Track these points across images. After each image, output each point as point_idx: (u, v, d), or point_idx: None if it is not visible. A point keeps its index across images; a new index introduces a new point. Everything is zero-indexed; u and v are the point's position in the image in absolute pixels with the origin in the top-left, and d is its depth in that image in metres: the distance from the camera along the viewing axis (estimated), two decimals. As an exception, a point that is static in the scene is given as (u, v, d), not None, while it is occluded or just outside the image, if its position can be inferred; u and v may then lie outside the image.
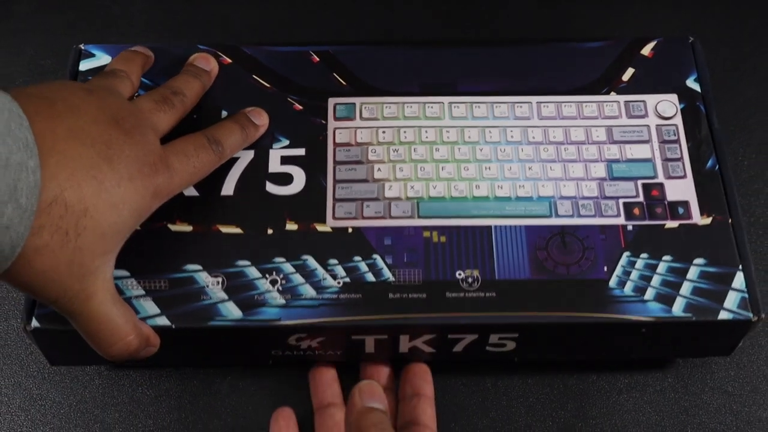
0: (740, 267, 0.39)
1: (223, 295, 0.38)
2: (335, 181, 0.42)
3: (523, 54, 0.46)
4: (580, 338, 0.41)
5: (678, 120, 0.44)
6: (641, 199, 0.42)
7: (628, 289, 0.39)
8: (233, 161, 0.42)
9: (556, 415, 0.44)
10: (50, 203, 0.29)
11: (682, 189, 0.42)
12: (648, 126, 0.44)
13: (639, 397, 0.44)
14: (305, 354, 0.41)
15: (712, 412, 0.44)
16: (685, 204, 0.41)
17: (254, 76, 0.45)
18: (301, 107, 0.44)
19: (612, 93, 0.45)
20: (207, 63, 0.44)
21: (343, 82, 0.45)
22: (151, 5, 0.59)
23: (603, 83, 0.45)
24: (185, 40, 0.57)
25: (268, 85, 0.45)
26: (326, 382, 0.43)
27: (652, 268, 0.40)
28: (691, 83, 0.45)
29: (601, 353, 0.43)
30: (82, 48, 0.46)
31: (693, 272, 0.39)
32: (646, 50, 0.46)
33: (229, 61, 0.45)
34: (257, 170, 0.42)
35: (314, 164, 0.42)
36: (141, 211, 0.34)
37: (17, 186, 0.27)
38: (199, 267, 0.39)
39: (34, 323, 0.38)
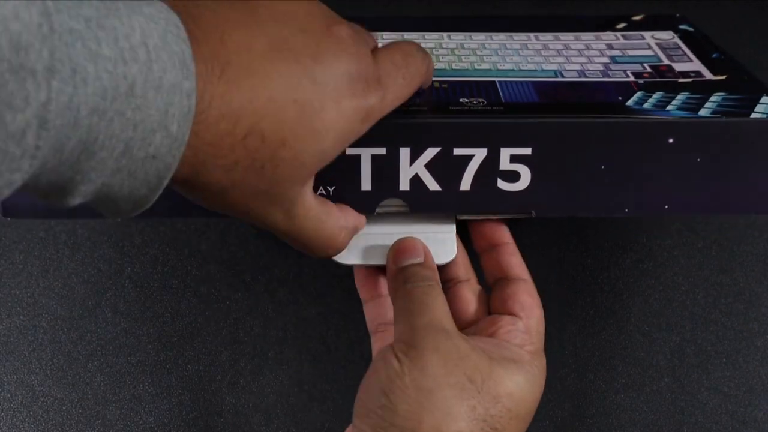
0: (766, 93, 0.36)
1: None
2: None
3: (520, 24, 0.46)
4: (603, 154, 0.35)
5: (677, 40, 0.43)
6: (649, 70, 0.40)
7: (648, 105, 0.36)
8: None
9: (554, 415, 0.44)
10: (245, 136, 0.26)
11: (690, 66, 0.40)
12: (648, 42, 0.43)
13: (636, 396, 0.44)
14: None
15: (709, 413, 0.44)
16: (696, 72, 0.39)
17: None
18: None
19: (607, 31, 0.44)
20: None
21: None
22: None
23: (598, 29, 0.45)
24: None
25: None
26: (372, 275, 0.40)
27: (670, 98, 0.36)
28: (685, 26, 0.45)
29: (627, 185, 0.36)
30: None
31: (714, 99, 0.36)
32: (636, 18, 0.46)
33: None
34: None
35: None
36: (347, 137, 0.29)
37: (168, 111, 0.23)
38: None
39: None
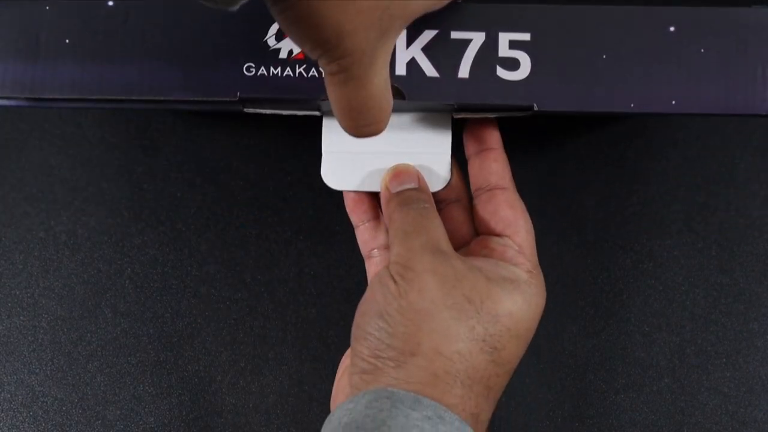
0: None
1: None
2: None
3: None
4: (603, 42, 0.34)
5: None
6: None
7: None
8: None
9: (553, 415, 0.44)
10: None
11: None
12: None
13: (636, 397, 0.44)
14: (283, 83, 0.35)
15: (709, 413, 0.44)
16: None
17: None
18: None
19: None
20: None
21: None
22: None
23: None
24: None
25: None
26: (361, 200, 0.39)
27: None
28: None
29: (630, 78, 0.35)
30: None
31: None
32: None
33: None
34: None
35: None
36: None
37: None
38: None
39: None
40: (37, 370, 0.45)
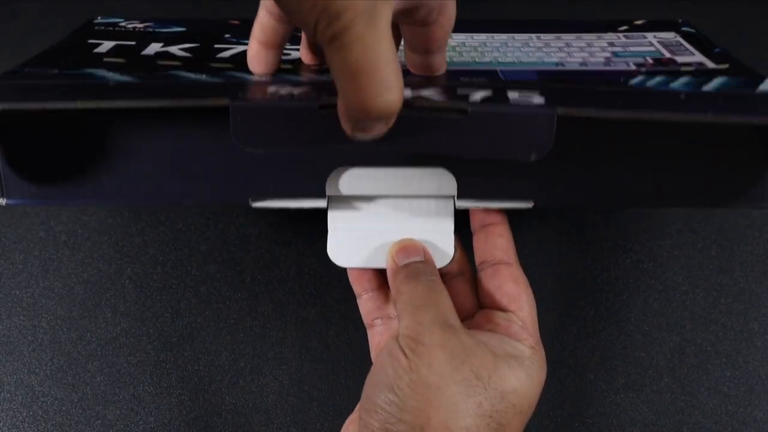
0: None
1: None
2: None
3: (521, 26, 0.45)
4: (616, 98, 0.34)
5: (680, 39, 0.43)
6: (651, 61, 0.39)
7: (651, 84, 0.35)
8: None
9: (553, 415, 0.44)
10: None
11: (692, 58, 0.39)
12: (650, 41, 0.42)
13: (636, 397, 0.44)
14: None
15: (708, 413, 0.44)
16: (699, 63, 0.39)
17: None
18: None
19: (609, 33, 0.44)
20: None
21: None
22: (156, 5, 0.59)
23: (600, 30, 0.44)
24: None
25: None
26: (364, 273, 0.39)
27: (672, 80, 0.36)
28: (687, 28, 0.45)
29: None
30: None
31: (717, 80, 0.35)
32: (638, 22, 0.46)
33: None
34: None
35: None
36: None
37: None
38: None
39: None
40: (37, 370, 0.45)
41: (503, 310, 0.36)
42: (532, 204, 0.35)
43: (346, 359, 0.45)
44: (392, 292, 0.35)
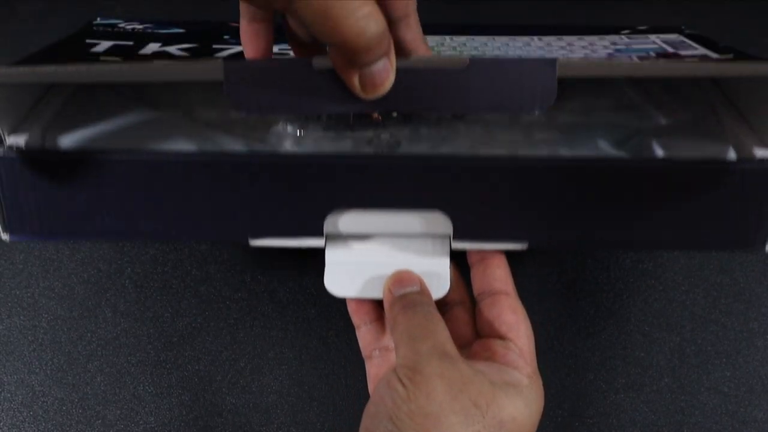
0: None
1: None
2: None
3: (521, 30, 0.45)
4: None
5: (683, 38, 0.43)
6: (654, 55, 0.39)
7: None
8: None
9: (553, 414, 0.44)
10: None
11: (696, 52, 0.39)
12: (653, 40, 0.42)
13: (636, 397, 0.44)
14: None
15: (709, 413, 0.44)
16: (703, 55, 0.38)
17: None
18: None
19: (611, 34, 0.44)
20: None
21: None
22: (155, 5, 0.59)
23: (602, 33, 0.44)
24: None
25: None
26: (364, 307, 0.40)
27: None
28: (690, 31, 0.45)
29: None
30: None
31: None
32: (641, 27, 0.46)
33: None
34: None
35: None
36: None
37: None
38: None
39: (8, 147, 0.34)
40: (37, 370, 0.45)
41: (501, 337, 0.36)
42: (527, 245, 0.36)
43: (346, 359, 0.45)
44: (389, 322, 0.35)
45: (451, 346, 0.33)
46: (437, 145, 0.38)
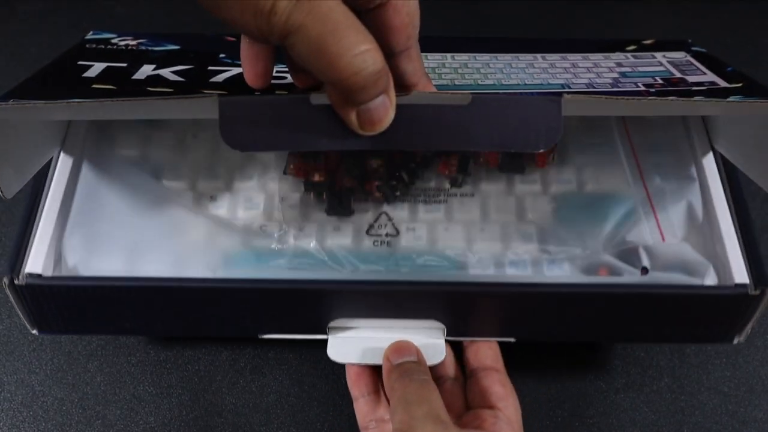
0: None
1: None
2: None
3: (525, 46, 0.45)
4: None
5: (690, 58, 0.42)
6: (661, 82, 0.38)
7: None
8: None
9: (554, 414, 0.44)
10: None
11: (704, 78, 0.38)
12: (659, 61, 0.42)
13: (636, 396, 0.44)
14: None
15: (709, 413, 0.44)
16: (711, 82, 0.38)
17: None
18: None
19: (617, 52, 0.43)
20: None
21: None
22: (155, 5, 0.59)
23: (607, 50, 0.44)
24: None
25: None
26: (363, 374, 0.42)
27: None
28: (697, 48, 0.44)
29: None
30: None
31: (732, 99, 0.34)
32: (647, 42, 0.46)
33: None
34: None
35: None
36: None
37: None
38: None
39: (27, 274, 0.36)
40: (37, 370, 0.45)
41: (491, 407, 0.38)
42: (514, 340, 0.40)
43: (346, 359, 0.45)
44: (386, 389, 0.37)
45: (444, 413, 0.35)
46: (434, 237, 0.39)
